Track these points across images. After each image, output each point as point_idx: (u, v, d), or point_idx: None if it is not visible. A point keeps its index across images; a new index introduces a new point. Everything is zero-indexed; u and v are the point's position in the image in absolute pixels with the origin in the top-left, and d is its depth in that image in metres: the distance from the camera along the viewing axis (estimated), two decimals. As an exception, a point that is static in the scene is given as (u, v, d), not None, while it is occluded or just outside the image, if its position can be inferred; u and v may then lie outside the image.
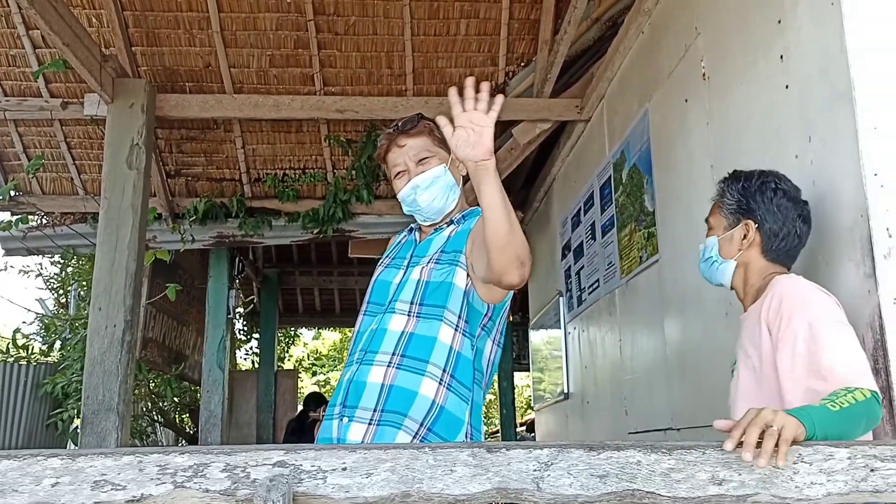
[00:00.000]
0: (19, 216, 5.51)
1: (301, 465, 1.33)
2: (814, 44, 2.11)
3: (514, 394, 9.53)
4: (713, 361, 2.80)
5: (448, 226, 2.03)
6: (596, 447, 1.35)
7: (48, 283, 9.09)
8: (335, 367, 17.75)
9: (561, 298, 5.30)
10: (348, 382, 1.89)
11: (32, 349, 7.10)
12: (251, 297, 8.41)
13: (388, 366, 1.86)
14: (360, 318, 2.02)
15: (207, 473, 1.32)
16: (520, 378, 13.24)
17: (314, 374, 18.04)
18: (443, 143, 1.99)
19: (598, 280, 4.40)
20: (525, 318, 7.68)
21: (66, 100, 5.00)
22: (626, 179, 3.86)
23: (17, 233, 5.59)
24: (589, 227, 4.59)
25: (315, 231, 5.52)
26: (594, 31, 4.69)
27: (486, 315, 1.94)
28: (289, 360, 15.60)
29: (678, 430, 3.18)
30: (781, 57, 2.27)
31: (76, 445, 7.18)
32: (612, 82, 4.20)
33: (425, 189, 1.97)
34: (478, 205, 1.86)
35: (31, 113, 5.13)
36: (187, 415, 8.91)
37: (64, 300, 8.82)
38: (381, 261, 2.14)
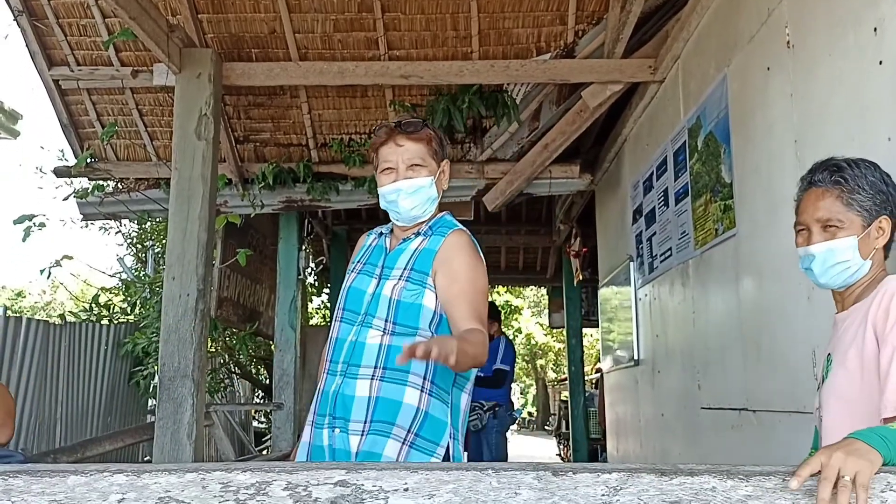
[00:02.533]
0: (95, 183, 5.66)
1: (363, 484, 1.31)
2: (913, 15, 1.93)
3: (582, 350, 9.47)
4: (792, 344, 2.69)
5: (416, 237, 2.07)
6: (668, 472, 1.29)
7: (127, 240, 9.38)
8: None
9: (632, 263, 5.17)
10: (335, 395, 1.95)
11: (114, 308, 7.38)
12: (321, 258, 8.50)
13: (372, 378, 1.93)
14: (336, 324, 2.07)
15: (269, 492, 1.31)
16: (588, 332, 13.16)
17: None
18: (436, 155, 2.08)
19: (670, 248, 4.26)
20: (594, 276, 7.56)
21: (136, 68, 5.06)
22: (702, 147, 3.69)
23: (94, 199, 5.75)
24: (661, 193, 4.43)
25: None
26: (669, -13, 4.46)
27: None
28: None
29: (754, 411, 3.08)
30: (875, 30, 2.09)
31: (153, 406, 7.49)
32: (687, 43, 3.99)
33: (408, 195, 2.02)
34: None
35: (103, 82, 5.23)
36: (263, 367, 9.17)
37: (143, 257, 9.11)
38: (352, 263, 2.18)
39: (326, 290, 10.63)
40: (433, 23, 4.76)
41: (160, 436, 3.93)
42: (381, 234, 2.17)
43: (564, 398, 14.13)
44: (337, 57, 4.87)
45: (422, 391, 1.93)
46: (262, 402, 9.14)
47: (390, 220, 2.14)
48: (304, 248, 7.09)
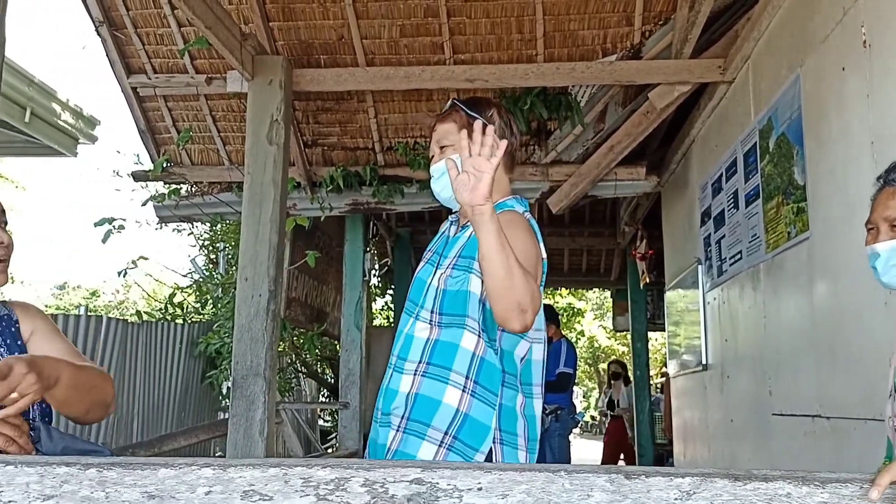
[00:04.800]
0: (172, 187, 5.86)
1: (437, 483, 1.35)
2: None
3: (647, 355, 9.35)
4: (868, 350, 2.62)
5: (468, 225, 1.98)
6: (741, 477, 1.29)
7: (199, 241, 9.64)
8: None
9: (700, 266, 5.10)
10: (384, 389, 1.93)
11: (187, 308, 7.62)
12: (385, 260, 8.61)
13: (415, 374, 1.87)
14: (402, 315, 2.02)
15: (348, 487, 1.35)
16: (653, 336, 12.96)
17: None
18: (468, 130, 1.93)
19: (740, 252, 4.19)
20: (660, 279, 7.46)
21: (210, 75, 5.23)
22: (774, 148, 3.62)
23: (170, 202, 5.96)
24: (731, 195, 4.36)
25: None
26: (739, -15, 4.39)
27: None
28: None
29: (828, 418, 3.01)
30: (959, 28, 2.03)
31: (226, 405, 7.70)
32: (758, 42, 3.92)
33: (437, 179, 1.98)
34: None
35: (179, 89, 5.41)
36: (328, 366, 9.33)
37: (214, 257, 9.36)
38: (426, 252, 2.12)
39: (390, 292, 10.75)
40: (498, 26, 4.79)
41: (233, 432, 4.05)
42: (452, 220, 2.11)
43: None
44: (403, 62, 4.94)
45: (463, 391, 1.83)
46: (328, 401, 9.30)
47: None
48: (369, 249, 7.20)
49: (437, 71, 4.73)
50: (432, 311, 1.90)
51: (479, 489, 1.35)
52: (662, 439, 9.23)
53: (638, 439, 8.82)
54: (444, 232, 2.11)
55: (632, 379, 9.27)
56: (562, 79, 4.64)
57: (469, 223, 1.94)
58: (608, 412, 10.11)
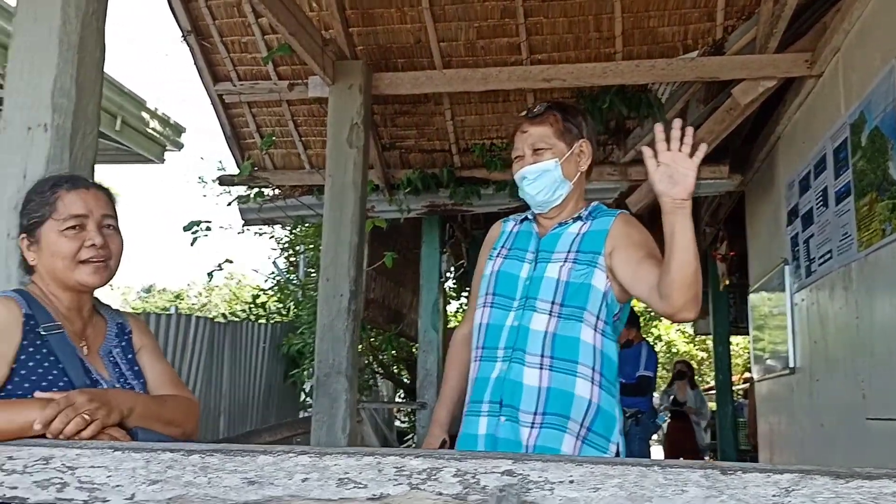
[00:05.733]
0: (256, 190, 6.03)
1: (528, 475, 1.35)
2: None
3: (730, 358, 9.12)
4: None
5: (574, 221, 2.03)
6: (843, 474, 1.26)
7: (280, 245, 9.89)
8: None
9: (786, 267, 4.94)
10: (498, 381, 1.92)
11: (270, 309, 7.83)
12: (461, 262, 8.65)
13: (541, 368, 1.89)
14: (486, 309, 2.03)
15: (440, 478, 1.38)
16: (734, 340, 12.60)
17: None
18: (564, 136, 2.03)
19: (830, 251, 4.05)
20: (742, 281, 7.26)
21: (292, 81, 5.36)
22: (867, 143, 3.49)
23: (254, 205, 6.14)
24: (820, 193, 4.22)
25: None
26: (827, -24, 4.25)
27: (616, 314, 1.97)
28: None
29: (927, 423, 2.88)
30: None
31: (310, 403, 7.87)
32: (849, 34, 3.79)
33: (532, 181, 2.01)
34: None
35: (262, 95, 5.56)
36: (404, 367, 9.43)
37: (294, 260, 9.58)
38: (493, 250, 2.14)
39: (465, 294, 10.79)
40: (576, 25, 4.76)
41: (316, 429, 4.13)
42: (526, 219, 2.14)
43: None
44: (480, 63, 4.96)
45: (592, 383, 1.88)
46: (405, 401, 9.39)
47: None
48: (445, 251, 7.25)
49: (513, 71, 4.73)
50: (553, 302, 1.94)
51: (571, 482, 1.35)
52: (746, 445, 8.98)
53: (720, 445, 8.60)
54: (514, 230, 2.15)
55: (697, 383, 9.05)
56: (641, 76, 4.58)
57: (564, 223, 1.98)
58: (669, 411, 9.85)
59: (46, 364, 1.57)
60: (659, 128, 1.71)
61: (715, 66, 4.51)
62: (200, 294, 25.29)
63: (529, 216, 2.14)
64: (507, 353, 1.94)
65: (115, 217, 1.73)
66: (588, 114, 4.88)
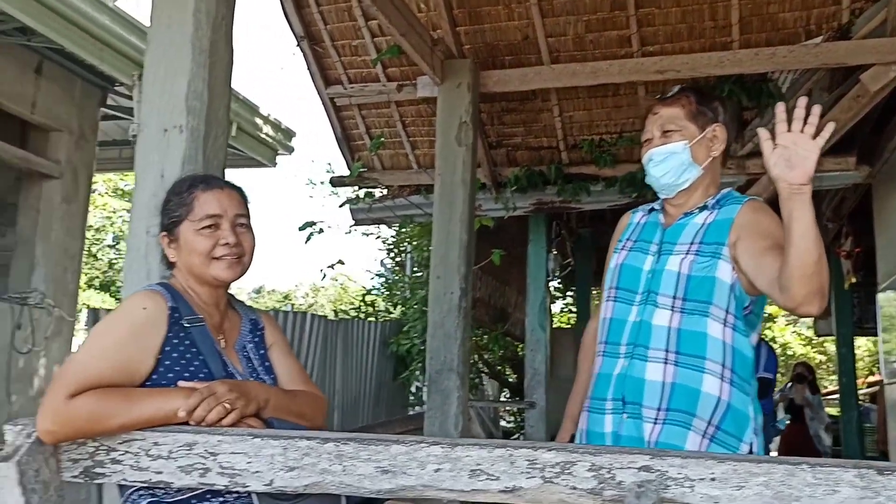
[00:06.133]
0: (367, 191, 6.15)
1: (667, 471, 1.31)
2: None
3: (854, 361, 8.64)
4: None
5: (700, 211, 1.94)
6: None
7: (386, 245, 10.07)
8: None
9: (921, 262, 4.64)
10: (620, 377, 1.88)
11: (378, 307, 7.98)
12: (568, 260, 8.55)
13: (665, 363, 1.83)
14: (608, 304, 1.99)
15: (574, 472, 1.35)
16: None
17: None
18: (696, 118, 1.94)
19: (973, 244, 3.77)
20: (868, 279, 6.87)
21: (400, 82, 5.44)
22: None
23: (364, 205, 6.26)
24: (960, 182, 3.94)
25: (633, 195, 5.43)
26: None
27: (746, 307, 1.86)
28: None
29: None
30: None
31: (416, 400, 7.97)
32: None
33: (658, 163, 1.95)
34: (738, 190, 1.92)
35: (371, 97, 5.67)
36: (509, 366, 9.42)
37: (399, 259, 9.73)
38: (619, 242, 2.08)
39: (570, 293, 10.69)
40: (689, 14, 4.62)
41: (429, 425, 4.17)
42: (652, 209, 2.08)
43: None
44: (588, 57, 4.89)
45: (721, 379, 1.81)
46: (513, 400, 9.37)
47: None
48: (552, 250, 7.19)
49: (624, 64, 4.64)
50: (675, 297, 1.88)
51: (713, 479, 1.30)
52: (873, 451, 8.50)
53: (845, 451, 8.17)
54: (641, 221, 2.09)
55: (818, 387, 8.60)
56: (761, 65, 4.40)
57: (690, 213, 1.92)
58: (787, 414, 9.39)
59: (189, 355, 1.64)
60: (780, 107, 1.60)
61: (841, 51, 4.28)
62: (307, 295, 26.06)
63: (657, 206, 2.08)
64: (629, 349, 1.90)
65: (248, 216, 1.80)
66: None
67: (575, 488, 1.35)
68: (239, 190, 1.81)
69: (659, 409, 1.82)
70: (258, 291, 28.88)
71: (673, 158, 1.94)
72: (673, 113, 1.97)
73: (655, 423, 1.82)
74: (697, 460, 1.31)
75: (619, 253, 2.05)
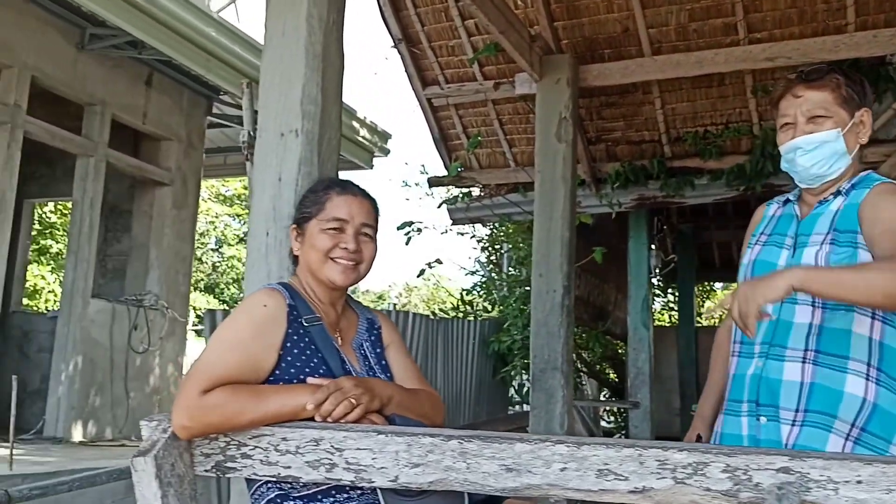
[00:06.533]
0: (465, 191, 6.17)
1: (808, 473, 1.25)
2: None
3: None
4: None
5: (834, 198, 1.80)
6: None
7: (482, 244, 10.07)
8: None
9: None
10: (754, 378, 1.78)
11: (476, 305, 7.99)
12: (671, 257, 8.35)
13: (804, 362, 1.72)
14: None
15: (707, 473, 1.31)
16: None
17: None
18: (846, 103, 1.79)
19: None
20: None
21: (497, 81, 5.43)
22: None
23: (462, 205, 6.29)
24: None
25: (741, 188, 5.26)
26: None
27: None
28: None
29: None
30: None
31: (521, 400, 7.94)
32: None
33: (807, 152, 1.80)
34: (869, 169, 1.78)
35: (468, 96, 5.69)
36: (609, 366, 9.26)
37: (495, 259, 9.72)
38: (753, 237, 1.96)
39: (670, 291, 10.43)
40: (800, -2, 4.44)
41: (534, 424, 4.15)
42: (788, 201, 1.96)
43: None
44: (692, 47, 4.76)
45: (867, 379, 1.69)
46: (616, 400, 9.20)
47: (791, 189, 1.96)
48: (653, 246, 7.03)
49: (731, 53, 4.49)
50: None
51: (859, 482, 1.23)
52: None
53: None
54: (776, 214, 1.98)
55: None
56: (881, 48, 4.17)
57: (825, 200, 1.83)
58: None
59: (308, 352, 1.68)
60: None
61: (970, 29, 4.02)
62: (401, 295, 26.38)
63: (791, 197, 1.96)
64: (764, 348, 1.80)
65: (374, 227, 1.83)
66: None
67: (709, 490, 1.31)
68: (372, 201, 1.85)
69: (797, 411, 1.73)
70: (353, 291, 29.42)
71: (825, 148, 1.80)
72: (821, 97, 1.81)
73: (793, 426, 1.73)
74: (841, 462, 1.25)
75: (753, 248, 1.95)
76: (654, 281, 9.72)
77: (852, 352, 1.71)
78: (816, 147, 1.80)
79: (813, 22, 4.47)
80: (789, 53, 4.31)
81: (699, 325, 9.11)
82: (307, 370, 1.66)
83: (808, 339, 1.75)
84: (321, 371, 1.67)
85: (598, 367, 9.22)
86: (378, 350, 1.85)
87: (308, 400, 1.53)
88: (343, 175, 2.33)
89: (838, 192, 1.83)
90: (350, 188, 1.83)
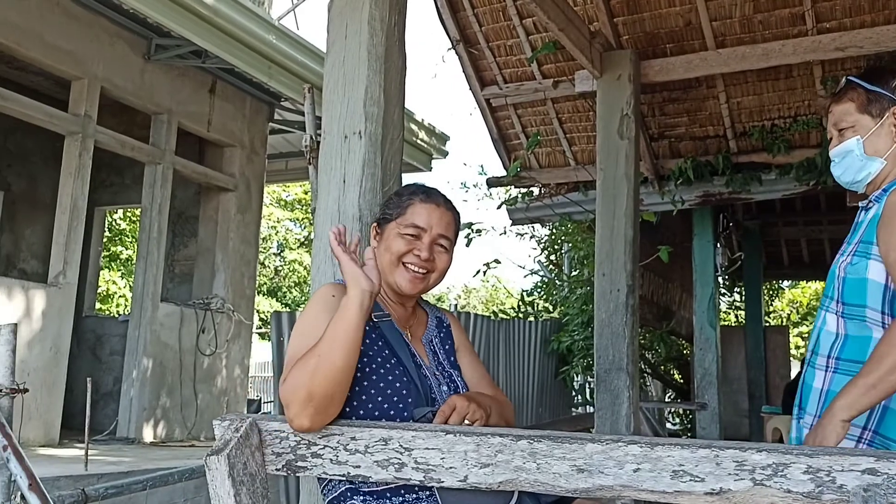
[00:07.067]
0: (525, 190, 6.14)
1: (896, 475, 1.20)
2: None
3: None
4: None
5: (873, 205, 1.86)
6: None
7: (541, 244, 9.99)
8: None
9: None
10: (801, 384, 1.90)
11: (537, 306, 7.94)
12: (738, 254, 8.15)
13: (826, 370, 1.81)
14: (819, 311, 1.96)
15: (788, 474, 1.27)
16: None
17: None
18: (867, 108, 1.86)
19: None
20: None
21: (556, 79, 5.38)
22: None
23: (521, 205, 6.25)
24: None
25: (811, 183, 5.10)
26: None
27: None
28: (773, 314, 14.82)
29: None
30: None
31: (582, 400, 7.86)
32: None
33: (836, 164, 1.94)
34: None
35: (527, 95, 5.65)
36: (674, 366, 9.08)
37: (554, 259, 9.63)
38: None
39: (737, 290, 10.18)
40: (871, -16, 4.27)
41: (600, 426, 4.09)
42: (867, 205, 1.99)
43: None
44: (757, 39, 4.62)
45: None
46: (683, 401, 9.03)
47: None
48: (719, 244, 6.88)
49: (799, 44, 4.35)
50: (836, 301, 1.86)
51: (953, 485, 1.17)
52: None
53: None
54: (857, 220, 2.02)
55: None
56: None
57: (868, 206, 1.90)
58: None
59: (380, 343, 1.72)
60: None
61: None
62: (459, 297, 26.42)
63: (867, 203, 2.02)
64: (808, 356, 1.92)
65: (452, 240, 1.84)
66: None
67: (789, 491, 1.27)
68: (455, 213, 1.86)
69: (815, 417, 1.82)
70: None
71: (848, 157, 1.91)
72: (843, 109, 1.92)
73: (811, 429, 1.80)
74: (933, 465, 1.19)
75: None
76: (720, 279, 9.51)
77: (867, 357, 1.74)
78: (843, 157, 1.91)
79: (886, 9, 4.29)
80: (861, 42, 4.15)
81: (767, 324, 8.86)
82: (378, 360, 1.69)
83: (833, 347, 1.83)
84: (392, 361, 1.70)
85: (662, 367, 9.05)
86: (447, 346, 1.87)
87: (354, 293, 1.53)
88: (403, 178, 2.34)
89: (876, 199, 1.88)
90: (434, 197, 1.83)
